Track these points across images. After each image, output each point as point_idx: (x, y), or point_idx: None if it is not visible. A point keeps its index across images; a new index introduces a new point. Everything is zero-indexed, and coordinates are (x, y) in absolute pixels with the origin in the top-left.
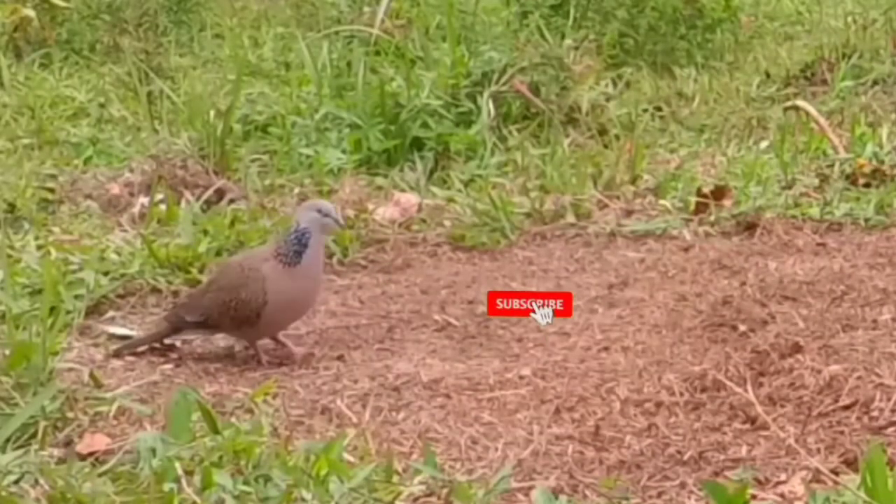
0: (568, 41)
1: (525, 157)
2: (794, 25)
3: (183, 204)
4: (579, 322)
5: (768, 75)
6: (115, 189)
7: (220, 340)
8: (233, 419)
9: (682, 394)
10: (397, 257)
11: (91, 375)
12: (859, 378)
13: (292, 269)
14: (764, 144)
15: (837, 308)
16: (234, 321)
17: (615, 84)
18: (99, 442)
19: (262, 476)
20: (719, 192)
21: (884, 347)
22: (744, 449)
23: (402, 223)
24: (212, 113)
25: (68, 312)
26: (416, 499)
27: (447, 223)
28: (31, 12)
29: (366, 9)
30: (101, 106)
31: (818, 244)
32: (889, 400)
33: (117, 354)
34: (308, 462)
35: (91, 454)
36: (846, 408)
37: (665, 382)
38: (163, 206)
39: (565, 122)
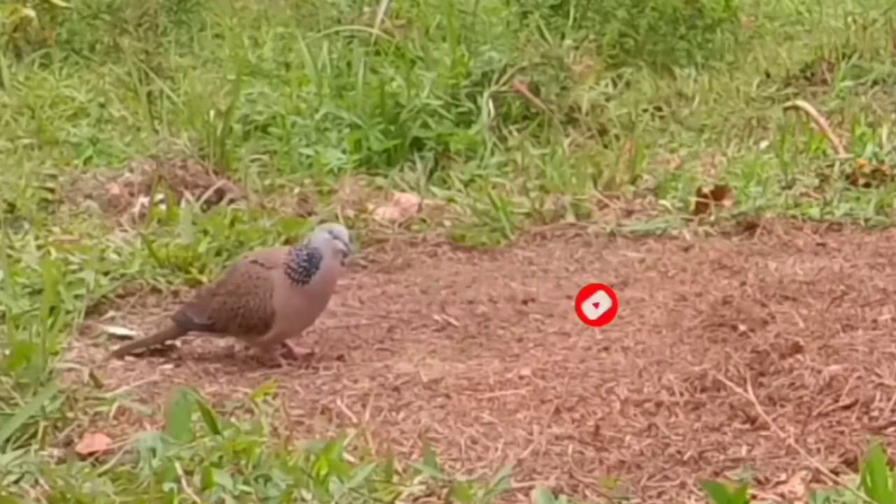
0: (568, 41)
1: (525, 157)
2: (794, 25)
3: (183, 204)
4: (579, 322)
5: (768, 75)
6: (115, 189)
7: (220, 340)
8: (233, 419)
9: (682, 394)
10: (397, 257)
11: (91, 375)
12: (859, 378)
13: (301, 286)
14: (764, 144)
15: (837, 308)
16: (242, 328)
17: (615, 84)
18: (99, 442)
19: (262, 476)
20: (719, 192)
21: (884, 347)
22: (744, 449)
23: (402, 223)
24: (212, 113)
25: (68, 312)
26: (416, 499)
27: (447, 223)
28: (31, 12)
29: (366, 9)
30: (101, 106)
31: (818, 244)
32: (889, 400)
33: (120, 355)
34: (308, 462)
35: (91, 454)
36: (846, 408)
37: (665, 382)
38: (163, 206)
39: (565, 122)
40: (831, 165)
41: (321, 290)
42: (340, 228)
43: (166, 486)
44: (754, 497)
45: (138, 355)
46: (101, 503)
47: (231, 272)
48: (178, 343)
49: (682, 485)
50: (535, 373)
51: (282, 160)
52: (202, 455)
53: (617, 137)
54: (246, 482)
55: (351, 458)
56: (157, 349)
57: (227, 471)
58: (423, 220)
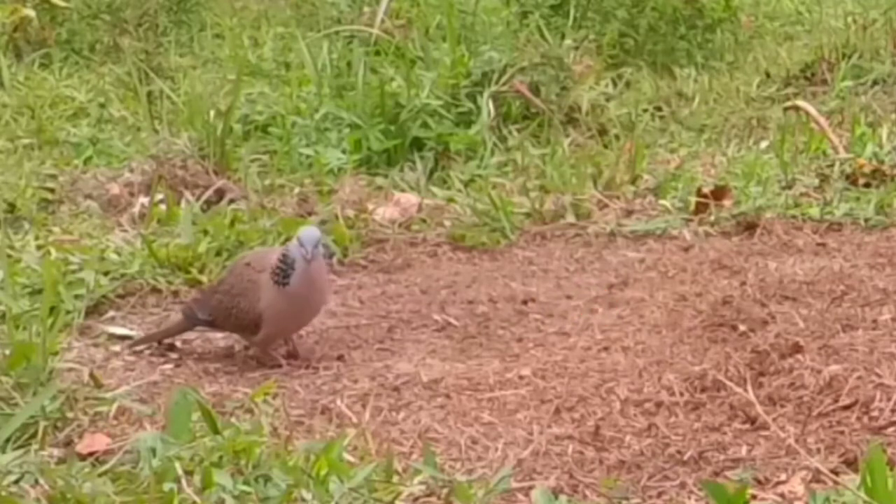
0: (568, 41)
1: (525, 157)
2: (794, 25)
3: (183, 204)
4: (579, 322)
5: (768, 75)
6: (115, 189)
7: (220, 340)
8: (233, 419)
9: (682, 394)
10: (397, 257)
11: (91, 375)
12: (859, 378)
13: (283, 288)
14: (764, 144)
15: (837, 308)
16: (237, 327)
17: (615, 84)
18: (99, 442)
19: (262, 476)
20: (719, 192)
21: (884, 347)
22: (744, 449)
23: (402, 223)
24: (212, 113)
25: (68, 312)
26: (416, 499)
27: (447, 223)
28: (31, 12)
29: (366, 9)
30: (101, 106)
31: (818, 244)
32: (889, 400)
33: (134, 347)
34: (308, 462)
35: (91, 454)
36: (846, 408)
37: (665, 382)
38: (163, 206)
39: (565, 122)
40: (831, 165)
41: (303, 292)
42: (308, 232)
43: (166, 486)
44: (754, 497)
45: (138, 355)
46: (101, 503)
47: (229, 272)
48: (178, 343)
49: (682, 485)
50: (535, 373)
51: (282, 160)
52: (202, 455)
53: (617, 137)
54: (246, 482)
55: (351, 458)
56: (156, 349)
57: (227, 471)
58: (423, 220)
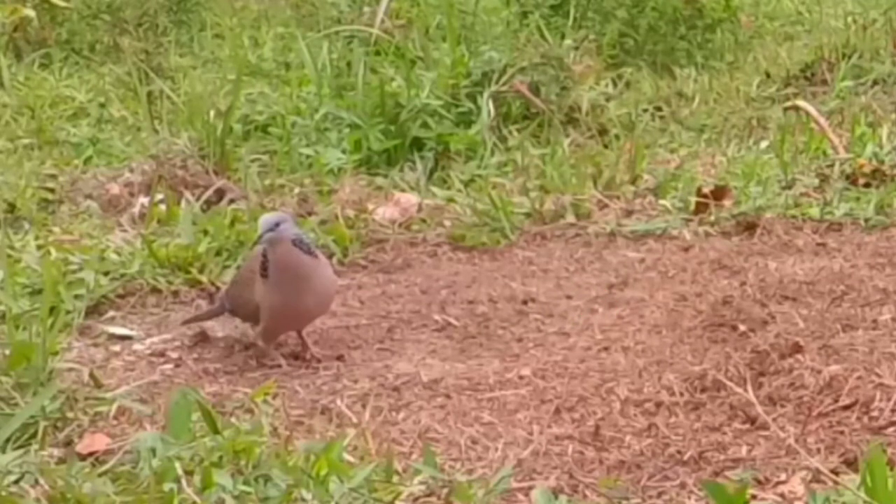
0: (568, 41)
1: (525, 157)
2: (794, 25)
3: (183, 204)
4: (579, 322)
5: (768, 75)
6: (115, 189)
7: (220, 340)
8: (233, 419)
9: (682, 394)
10: (397, 257)
11: (91, 375)
12: (859, 378)
13: (267, 281)
14: (764, 144)
15: (837, 308)
16: (246, 317)
17: (615, 84)
18: (99, 442)
19: (262, 476)
20: (719, 192)
21: (884, 347)
22: (744, 449)
23: (402, 223)
24: (212, 113)
25: (68, 312)
26: (416, 499)
27: (447, 223)
28: (31, 12)
29: (366, 9)
30: (101, 106)
31: (818, 244)
32: (889, 400)
33: (185, 323)
34: (308, 462)
35: (91, 454)
36: (846, 408)
37: (665, 382)
38: (163, 206)
39: (565, 122)
40: (831, 165)
41: (289, 283)
42: (264, 216)
43: (166, 486)
44: (754, 497)
45: (138, 355)
46: (101, 503)
47: (246, 263)
48: (178, 342)
49: (682, 485)
50: (535, 373)
51: (282, 160)
52: (202, 455)
53: (617, 137)
54: (246, 482)
55: (351, 458)
56: (156, 350)
57: (227, 471)
58: (423, 220)
